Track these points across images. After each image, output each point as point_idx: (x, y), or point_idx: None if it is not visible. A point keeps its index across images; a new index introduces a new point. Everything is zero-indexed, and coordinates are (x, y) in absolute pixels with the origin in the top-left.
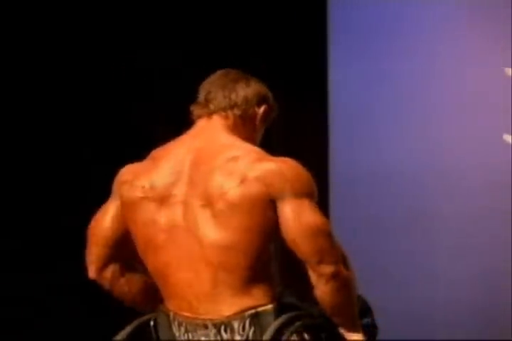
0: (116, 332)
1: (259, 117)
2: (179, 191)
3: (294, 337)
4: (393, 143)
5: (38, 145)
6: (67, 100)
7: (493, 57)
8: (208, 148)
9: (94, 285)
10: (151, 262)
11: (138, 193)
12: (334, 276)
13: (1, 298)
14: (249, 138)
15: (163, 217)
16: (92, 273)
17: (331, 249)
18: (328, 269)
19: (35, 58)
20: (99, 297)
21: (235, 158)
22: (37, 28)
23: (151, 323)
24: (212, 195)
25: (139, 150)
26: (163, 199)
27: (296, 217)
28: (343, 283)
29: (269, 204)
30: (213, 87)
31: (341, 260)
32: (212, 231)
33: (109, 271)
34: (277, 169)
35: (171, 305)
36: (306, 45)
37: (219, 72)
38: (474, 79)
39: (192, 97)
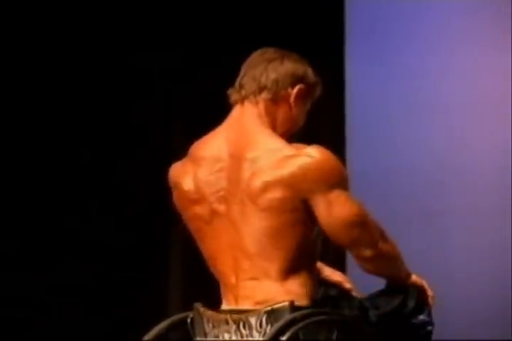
0: (115, 332)
1: (292, 98)
2: (220, 186)
3: (306, 335)
4: (409, 142)
5: (38, 146)
6: (67, 100)
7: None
8: (241, 142)
9: (94, 285)
10: (204, 252)
11: (184, 196)
12: (375, 257)
13: (1, 298)
14: (285, 121)
15: (206, 210)
16: None
17: (367, 234)
18: (367, 253)
19: (36, 58)
20: (99, 297)
21: (255, 158)
22: (37, 28)
23: (188, 321)
24: (243, 192)
25: (139, 150)
26: (206, 196)
27: (328, 213)
28: (385, 258)
29: (300, 204)
30: (248, 70)
31: (379, 238)
32: (241, 229)
33: None
34: (299, 170)
35: (222, 292)
36: (321, 47)
37: (257, 52)
38: (493, 79)
39: (192, 97)
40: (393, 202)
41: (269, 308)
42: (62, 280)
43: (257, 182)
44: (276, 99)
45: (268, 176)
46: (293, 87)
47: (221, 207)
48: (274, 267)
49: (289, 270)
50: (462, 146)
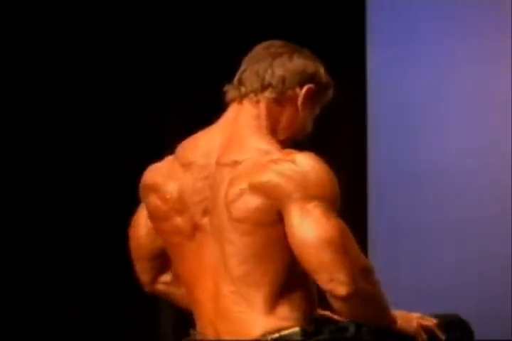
0: (115, 332)
1: (300, 99)
2: (204, 195)
3: None
4: (438, 141)
5: (38, 145)
6: (67, 100)
7: None
8: (231, 147)
9: (94, 285)
10: (180, 274)
11: (164, 202)
12: (349, 298)
13: (1, 298)
14: (289, 125)
15: (188, 223)
16: (145, 287)
17: (341, 263)
18: (340, 291)
19: (35, 58)
20: (99, 297)
21: (236, 163)
22: (37, 28)
23: None
24: (221, 201)
25: (139, 150)
26: (189, 206)
27: (297, 226)
28: (361, 301)
29: (279, 217)
30: (250, 64)
31: (359, 275)
32: (227, 241)
33: (161, 283)
34: (277, 176)
35: (198, 326)
36: (338, 46)
37: (261, 45)
38: None
39: (192, 97)
40: (423, 209)
41: (276, 335)
42: (62, 280)
43: (235, 189)
44: (281, 100)
45: (245, 183)
46: (301, 86)
47: (204, 220)
48: (260, 293)
49: (278, 296)
50: (495, 146)
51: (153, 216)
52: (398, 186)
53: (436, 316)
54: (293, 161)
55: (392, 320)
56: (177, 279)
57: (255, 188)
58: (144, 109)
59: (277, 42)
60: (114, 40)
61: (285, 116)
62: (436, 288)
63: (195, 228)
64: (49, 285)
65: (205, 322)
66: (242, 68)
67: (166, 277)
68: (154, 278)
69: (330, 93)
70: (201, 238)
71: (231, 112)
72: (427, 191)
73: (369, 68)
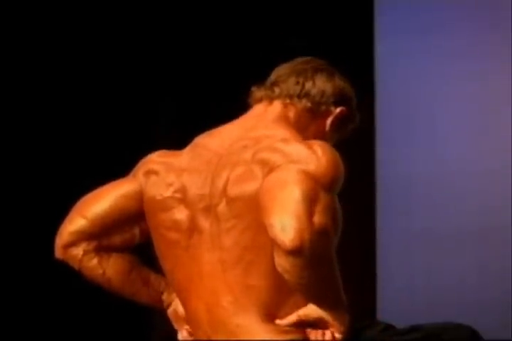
0: (116, 333)
1: (332, 118)
2: (205, 191)
3: None
4: (455, 138)
5: (37, 145)
6: (67, 100)
7: None
8: (245, 137)
9: (94, 285)
10: (174, 280)
11: (165, 191)
12: (294, 252)
13: (1, 298)
14: (313, 139)
15: (186, 221)
16: (58, 249)
17: (298, 216)
18: (287, 241)
19: (35, 58)
20: (100, 297)
21: (244, 147)
22: (37, 28)
23: None
24: (216, 194)
25: (139, 150)
26: (191, 202)
27: (269, 176)
28: (309, 262)
29: None
30: (288, 71)
31: (316, 235)
32: (224, 241)
33: (80, 249)
34: (276, 152)
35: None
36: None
37: (300, 59)
38: None
39: (192, 97)
40: (438, 213)
41: None
42: (62, 280)
43: (237, 171)
44: (313, 111)
45: (249, 162)
46: (336, 106)
47: (203, 223)
48: (258, 302)
49: (278, 305)
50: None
51: (151, 205)
52: (411, 190)
53: (447, 326)
54: (303, 143)
55: (341, 302)
56: (169, 285)
57: (256, 165)
58: (144, 109)
59: (316, 59)
60: (114, 40)
61: (312, 129)
62: (449, 297)
63: (194, 228)
64: (49, 285)
65: (198, 333)
66: (276, 74)
67: (88, 246)
68: (77, 242)
69: (355, 123)
70: (199, 243)
71: (258, 109)
72: (445, 196)
73: (377, 69)
